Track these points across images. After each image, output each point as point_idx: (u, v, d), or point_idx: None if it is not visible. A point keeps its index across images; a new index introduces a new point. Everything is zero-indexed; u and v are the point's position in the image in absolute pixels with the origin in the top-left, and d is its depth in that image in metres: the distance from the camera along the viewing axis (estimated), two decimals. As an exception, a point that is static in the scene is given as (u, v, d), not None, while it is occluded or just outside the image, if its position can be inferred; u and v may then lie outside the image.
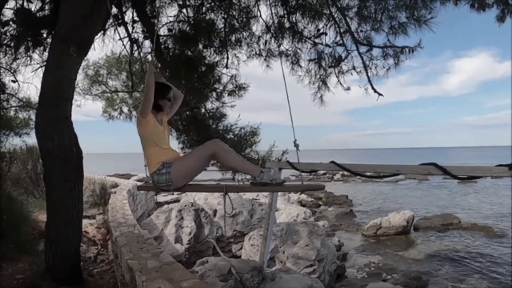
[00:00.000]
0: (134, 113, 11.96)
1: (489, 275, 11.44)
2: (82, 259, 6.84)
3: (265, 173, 3.49)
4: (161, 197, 19.39)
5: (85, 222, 9.96)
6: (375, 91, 7.30)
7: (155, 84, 3.45)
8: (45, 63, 5.74)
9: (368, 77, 7.35)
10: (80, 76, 11.27)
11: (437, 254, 13.68)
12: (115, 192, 13.11)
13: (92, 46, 6.01)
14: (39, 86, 5.20)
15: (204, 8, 7.36)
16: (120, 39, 7.50)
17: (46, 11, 6.33)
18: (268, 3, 7.17)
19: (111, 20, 6.85)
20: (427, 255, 13.54)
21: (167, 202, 16.52)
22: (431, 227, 17.32)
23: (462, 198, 28.53)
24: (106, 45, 7.60)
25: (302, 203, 23.78)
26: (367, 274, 11.39)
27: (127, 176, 34.18)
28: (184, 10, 7.32)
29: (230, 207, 3.92)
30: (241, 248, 11.40)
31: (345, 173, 5.93)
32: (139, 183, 18.23)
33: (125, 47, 7.76)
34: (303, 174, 6.04)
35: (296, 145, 3.82)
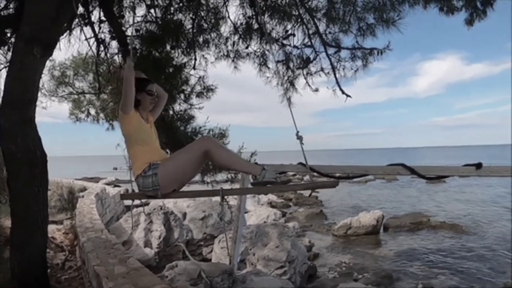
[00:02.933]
0: (101, 115, 11.78)
1: (458, 271, 11.63)
2: (50, 266, 6.68)
3: (267, 171, 3.07)
4: (129, 201, 19.11)
5: (52, 227, 9.75)
6: (343, 92, 7.34)
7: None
8: (8, 63, 5.57)
9: (336, 79, 7.39)
10: (46, 77, 11.04)
11: (407, 252, 13.85)
12: (82, 196, 12.90)
13: (58, 46, 5.88)
14: (2, 87, 5.06)
15: (172, 9, 7.28)
16: (86, 39, 7.35)
17: (11, 10, 6.17)
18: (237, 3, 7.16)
19: (77, 20, 6.71)
20: (398, 253, 13.69)
21: (136, 206, 16.33)
22: (401, 226, 17.50)
23: (431, 197, 28.99)
24: (72, 45, 7.42)
25: (272, 205, 23.83)
26: (339, 273, 11.44)
27: (95, 180, 33.68)
28: (152, 10, 7.23)
29: (228, 212, 3.62)
30: (211, 251, 11.33)
31: (315, 174, 5.86)
32: (107, 187, 17.95)
33: (91, 48, 7.62)
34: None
35: (299, 137, 3.22)
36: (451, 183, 35.04)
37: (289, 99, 7.91)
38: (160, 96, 3.72)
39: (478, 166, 4.33)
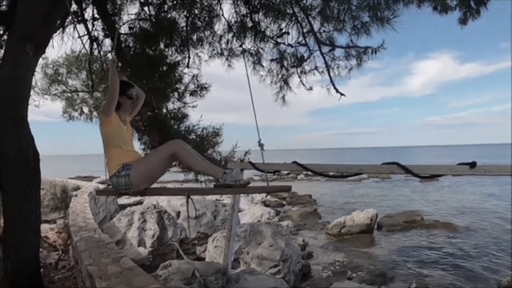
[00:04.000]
0: (95, 113, 11.71)
1: (452, 269, 11.68)
2: (43, 265, 6.63)
3: (228, 174, 3.30)
4: (123, 200, 19.07)
5: (45, 226, 9.69)
6: (337, 91, 7.32)
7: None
8: (0, 61, 5.53)
9: (330, 78, 7.37)
10: (39, 75, 10.96)
11: (401, 251, 13.88)
12: (76, 195, 12.81)
13: (51, 44, 5.84)
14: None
15: (166, 6, 7.25)
16: (79, 37, 7.31)
17: (3, 7, 6.12)
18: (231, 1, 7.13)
19: (70, 18, 6.67)
20: (391, 252, 13.72)
21: (130, 205, 16.27)
22: (394, 225, 17.50)
23: (425, 196, 29.10)
24: (65, 43, 7.38)
25: (266, 204, 23.80)
26: (333, 272, 11.43)
27: (89, 179, 33.50)
28: (145, 8, 7.20)
29: (193, 210, 3.77)
30: (205, 250, 11.29)
31: (309, 172, 5.89)
32: (100, 186, 17.90)
33: (84, 46, 7.57)
34: (268, 174, 5.97)
35: (261, 145, 3.66)
36: (444, 182, 35.14)
37: (283, 98, 7.90)
38: (138, 98, 3.83)
39: (472, 165, 4.31)
